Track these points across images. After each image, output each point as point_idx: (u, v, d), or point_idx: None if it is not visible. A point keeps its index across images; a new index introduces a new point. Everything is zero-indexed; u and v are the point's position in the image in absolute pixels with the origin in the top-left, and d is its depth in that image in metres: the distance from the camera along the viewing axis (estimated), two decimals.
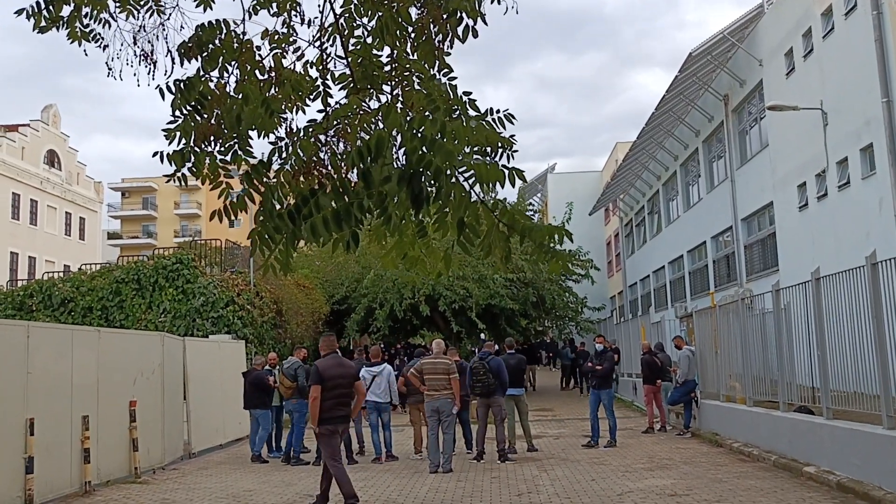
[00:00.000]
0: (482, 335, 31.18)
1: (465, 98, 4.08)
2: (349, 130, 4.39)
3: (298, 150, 4.22)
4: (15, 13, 4.38)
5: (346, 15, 4.51)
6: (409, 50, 4.46)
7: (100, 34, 4.58)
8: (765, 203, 20.80)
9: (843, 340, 8.84)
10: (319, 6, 4.56)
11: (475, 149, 4.21)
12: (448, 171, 3.65)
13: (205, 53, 4.38)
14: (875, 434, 8.01)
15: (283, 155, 4.45)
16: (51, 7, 4.45)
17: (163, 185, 75.25)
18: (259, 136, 4.65)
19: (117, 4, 4.55)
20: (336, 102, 4.60)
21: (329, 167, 4.15)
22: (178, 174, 4.57)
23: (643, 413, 17.47)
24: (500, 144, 4.15)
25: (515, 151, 4.24)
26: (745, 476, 9.69)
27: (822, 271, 9.67)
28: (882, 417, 7.92)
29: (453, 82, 4.24)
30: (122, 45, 4.45)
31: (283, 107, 4.51)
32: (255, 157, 4.54)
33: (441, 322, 24.75)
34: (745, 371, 12.32)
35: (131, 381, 11.56)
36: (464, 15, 4.24)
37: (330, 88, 4.67)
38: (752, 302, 12.94)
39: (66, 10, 4.51)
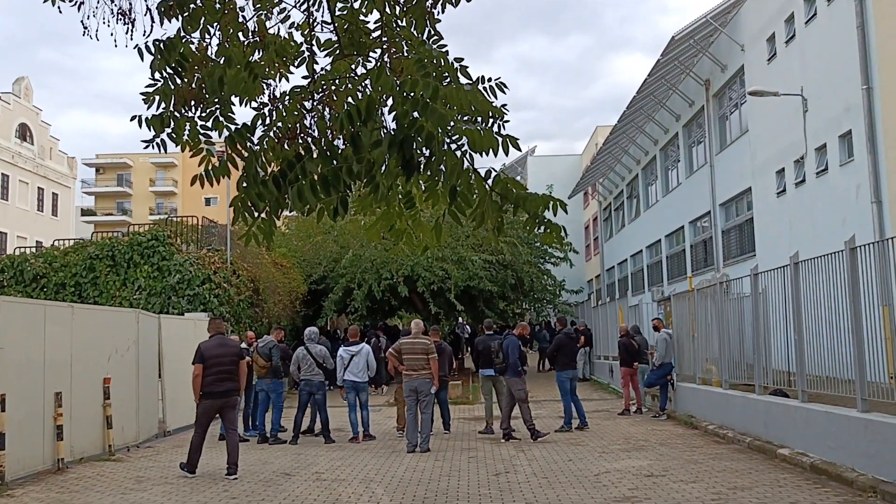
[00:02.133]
0: (459, 317, 31.27)
1: (456, 65, 3.96)
2: (335, 98, 4.25)
3: (283, 115, 4.08)
4: None
5: None
6: (398, 15, 4.32)
7: None
8: (743, 188, 20.92)
9: (819, 325, 8.89)
10: None
11: (466, 118, 4.11)
12: (440, 137, 3.54)
13: (186, 13, 4.20)
14: (849, 417, 8.07)
15: (268, 121, 4.31)
16: None
17: (138, 161, 74.15)
18: (242, 103, 4.50)
19: None
20: (322, 69, 4.46)
21: (315, 132, 4.02)
22: (157, 140, 4.41)
23: (620, 395, 17.58)
24: (491, 113, 4.04)
25: (507, 122, 4.14)
26: (721, 458, 9.75)
27: (799, 257, 9.70)
28: (857, 401, 7.98)
29: (444, 49, 4.11)
30: (98, 1, 4.26)
31: (266, 72, 4.36)
32: (237, 124, 4.40)
33: (419, 303, 24.70)
34: (721, 354, 12.40)
35: (105, 359, 11.37)
36: None
37: (315, 55, 4.53)
38: (729, 286, 13.01)
39: None
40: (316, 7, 4.57)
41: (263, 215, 4.14)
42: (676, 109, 25.90)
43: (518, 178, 50.38)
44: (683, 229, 26.11)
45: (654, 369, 14.93)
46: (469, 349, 28.11)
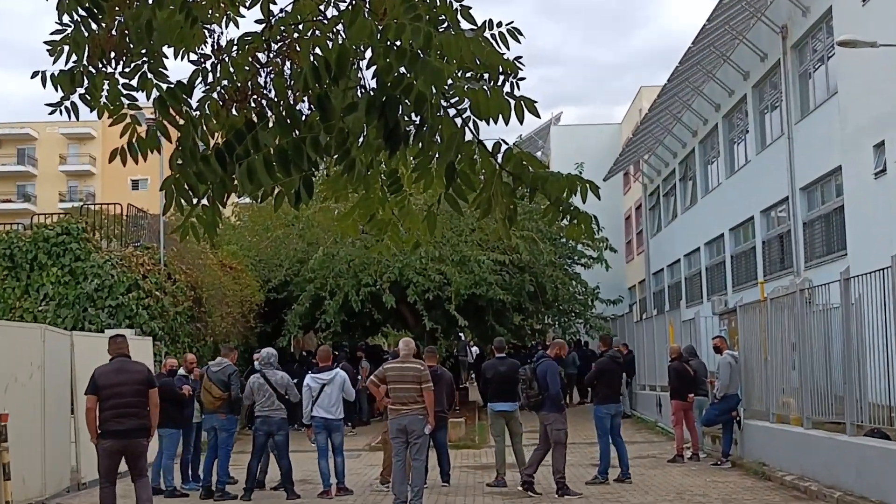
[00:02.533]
0: (461, 334, 31.28)
1: (456, 5, 3.95)
2: (298, 48, 4.25)
3: (230, 71, 4.08)
4: None
5: None
6: None
7: None
8: (831, 168, 20.90)
9: None
10: None
11: (469, 74, 4.10)
12: (435, 99, 3.55)
13: None
14: None
15: (210, 79, 4.30)
16: None
17: (45, 132, 74.22)
18: (177, 55, 4.49)
19: None
20: (281, 11, 4.45)
21: (272, 93, 4.03)
22: (66, 103, 4.41)
23: (670, 436, 17.60)
24: (502, 69, 4.04)
25: (522, 80, 4.14)
26: None
27: None
28: None
29: None
30: None
31: (209, 14, 4.35)
32: (170, 83, 4.40)
33: (410, 317, 24.74)
34: (802, 383, 12.44)
35: (2, 389, 11.37)
36: None
37: None
38: (812, 295, 13.04)
39: None
40: None
41: (205, 202, 4.14)
42: (744, 65, 25.92)
43: (538, 153, 50.45)
44: (753, 221, 26.14)
45: (716, 403, 15.02)
46: (475, 376, 28.17)
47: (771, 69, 24.43)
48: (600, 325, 26.89)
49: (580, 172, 20.24)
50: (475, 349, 31.84)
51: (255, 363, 14.09)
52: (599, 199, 4.08)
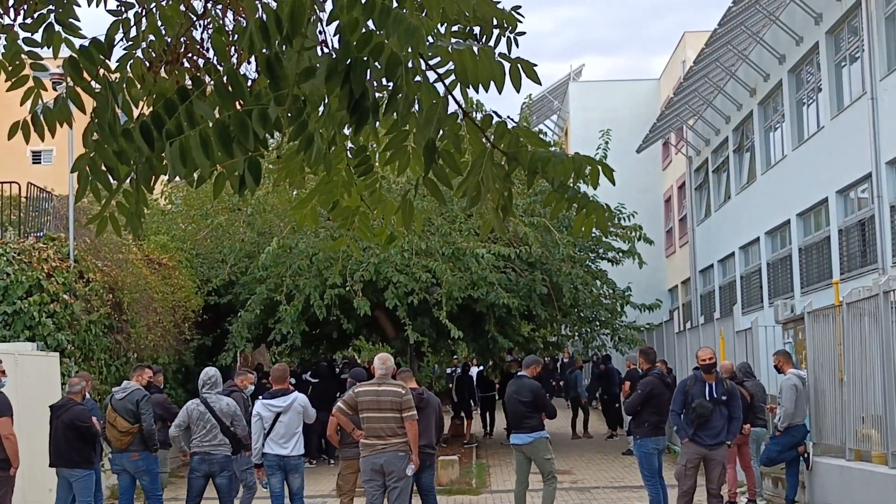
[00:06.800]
0: (456, 352, 31.16)
1: None
2: None
3: (158, 24, 4.17)
4: None
5: None
6: None
7: None
8: None
9: None
10: None
11: (455, 29, 4.19)
12: (411, 62, 3.63)
13: None
14: None
15: (133, 33, 4.38)
16: None
17: None
18: (91, 2, 4.58)
19: None
20: None
21: (211, 53, 4.12)
22: None
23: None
24: (496, 22, 4.13)
25: (521, 34, 4.23)
26: None
27: None
28: None
29: None
30: None
31: None
32: (84, 37, 4.48)
33: (389, 326, 24.70)
34: (888, 411, 12.53)
35: None
36: None
37: None
38: None
39: None
40: None
41: (127, 186, 4.22)
42: (815, 6, 26.00)
43: (555, 116, 50.55)
44: (827, 204, 26.22)
45: (777, 436, 15.06)
46: (455, 394, 28.26)
47: (849, 11, 24.50)
48: (632, 337, 26.82)
49: (606, 144, 20.24)
50: (477, 369, 31.85)
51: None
52: (614, 183, 4.15)
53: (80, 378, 14.15)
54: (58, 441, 13.05)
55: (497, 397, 29.17)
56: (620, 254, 27.84)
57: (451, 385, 31.49)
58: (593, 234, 26.77)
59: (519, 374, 13.92)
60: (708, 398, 12.67)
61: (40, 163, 64.33)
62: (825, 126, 26.47)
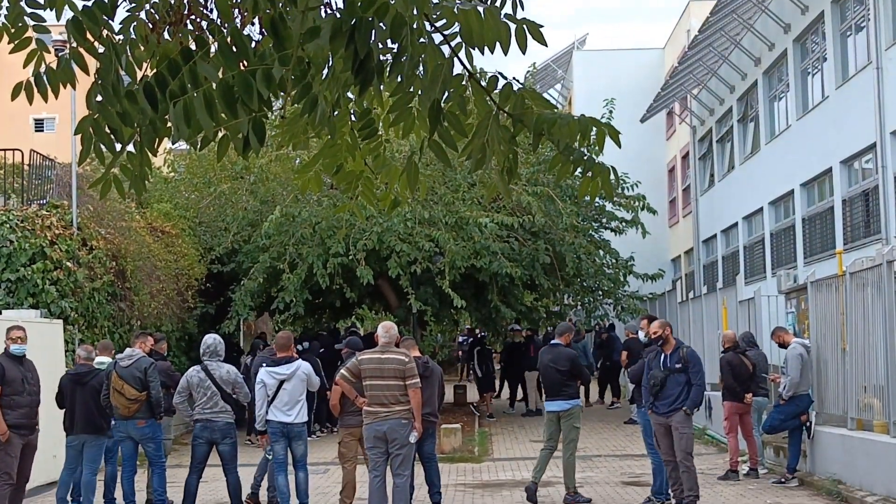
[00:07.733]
0: (459, 321, 31.15)
1: None
2: None
3: None
4: None
5: None
6: None
7: None
8: None
9: None
10: None
11: None
12: (416, 23, 3.61)
13: None
14: None
15: None
16: None
17: None
18: None
19: None
20: None
21: (214, 14, 4.10)
22: None
23: (722, 447, 17.79)
24: None
25: None
26: None
27: None
28: None
29: None
30: None
31: None
32: None
33: (392, 295, 24.75)
34: (889, 381, 12.55)
35: None
36: None
37: None
38: None
39: None
40: None
41: (130, 148, 4.20)
42: None
43: (558, 85, 50.35)
44: (831, 174, 26.17)
45: (780, 405, 15.07)
46: (479, 367, 28.30)
47: None
48: (634, 307, 26.85)
49: (610, 112, 20.26)
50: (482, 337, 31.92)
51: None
52: (620, 146, 4.11)
53: (91, 347, 14.18)
54: (87, 408, 13.00)
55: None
56: (624, 223, 27.84)
57: (461, 353, 31.46)
58: (597, 203, 26.79)
59: (553, 342, 14.06)
60: (663, 368, 12.76)
61: (42, 131, 64.27)
62: (830, 96, 26.39)
